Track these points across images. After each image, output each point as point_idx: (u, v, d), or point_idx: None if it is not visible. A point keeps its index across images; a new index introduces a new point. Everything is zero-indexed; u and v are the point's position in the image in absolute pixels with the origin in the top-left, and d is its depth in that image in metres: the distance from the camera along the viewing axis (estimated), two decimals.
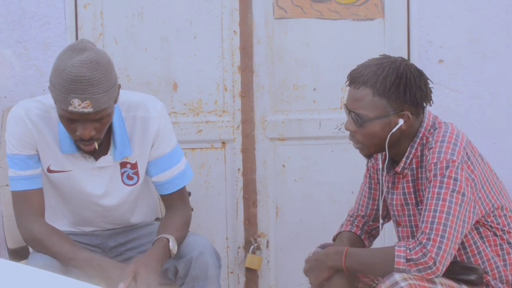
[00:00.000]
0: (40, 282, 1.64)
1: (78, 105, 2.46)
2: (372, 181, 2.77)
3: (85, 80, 2.45)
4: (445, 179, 2.41)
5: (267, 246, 3.70)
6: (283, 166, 3.69)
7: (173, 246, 2.69)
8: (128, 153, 2.74)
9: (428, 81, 2.54)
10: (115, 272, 2.58)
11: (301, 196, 3.71)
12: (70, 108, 2.47)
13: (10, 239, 3.15)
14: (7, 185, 3.16)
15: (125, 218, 2.91)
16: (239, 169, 3.65)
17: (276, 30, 3.62)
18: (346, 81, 2.54)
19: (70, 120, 2.53)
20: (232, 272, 3.70)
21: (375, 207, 2.79)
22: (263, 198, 3.68)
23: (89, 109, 2.48)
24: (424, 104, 2.52)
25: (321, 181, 3.70)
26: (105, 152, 2.72)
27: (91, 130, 2.54)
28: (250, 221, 3.68)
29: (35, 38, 3.43)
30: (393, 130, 2.48)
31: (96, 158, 2.72)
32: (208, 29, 3.57)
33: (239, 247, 3.69)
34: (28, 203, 2.71)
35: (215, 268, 2.74)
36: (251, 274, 3.71)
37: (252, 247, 3.65)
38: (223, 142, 3.64)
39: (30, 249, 2.92)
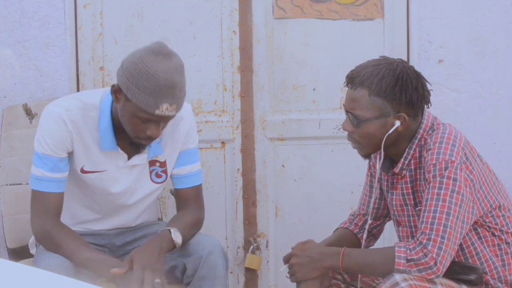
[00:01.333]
0: (40, 283, 1.64)
1: (166, 109, 2.53)
2: (373, 180, 2.77)
3: (177, 87, 2.53)
4: (444, 180, 2.41)
5: (266, 246, 3.70)
6: (283, 166, 3.69)
7: (175, 236, 2.69)
8: (159, 151, 2.79)
9: (427, 83, 2.54)
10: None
11: (300, 196, 3.71)
12: (157, 112, 2.53)
13: (10, 238, 3.15)
14: (7, 185, 3.16)
15: (133, 218, 2.92)
16: (238, 169, 3.65)
17: (276, 30, 3.62)
18: (344, 82, 2.54)
19: (145, 120, 2.57)
20: (231, 272, 3.69)
21: (376, 206, 2.79)
22: (263, 198, 3.68)
23: (173, 112, 2.57)
24: (421, 106, 2.52)
25: (321, 181, 3.70)
26: (137, 151, 2.76)
27: (160, 130, 2.61)
28: (250, 221, 3.68)
29: (35, 38, 3.43)
30: (390, 132, 2.48)
31: (129, 157, 2.76)
32: (208, 29, 3.57)
33: (238, 247, 3.69)
34: (47, 204, 2.70)
35: (223, 268, 2.75)
36: (251, 274, 3.71)
37: (251, 247, 3.66)
38: (223, 142, 3.64)
39: (32, 249, 2.93)
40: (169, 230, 2.70)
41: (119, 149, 2.73)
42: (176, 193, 2.91)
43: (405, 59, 3.62)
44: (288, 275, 2.58)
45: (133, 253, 2.61)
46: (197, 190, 2.90)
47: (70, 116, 2.67)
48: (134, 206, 2.87)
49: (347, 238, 2.79)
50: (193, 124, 2.86)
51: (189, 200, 2.88)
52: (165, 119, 2.59)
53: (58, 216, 2.73)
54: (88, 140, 2.71)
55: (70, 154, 2.72)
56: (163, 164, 2.83)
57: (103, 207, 2.85)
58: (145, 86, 2.50)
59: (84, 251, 2.64)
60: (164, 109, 2.53)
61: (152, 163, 2.82)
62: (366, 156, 2.60)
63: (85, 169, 2.75)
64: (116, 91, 2.60)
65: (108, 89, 2.70)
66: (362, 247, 2.75)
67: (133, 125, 2.60)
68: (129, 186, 2.81)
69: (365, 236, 2.76)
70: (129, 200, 2.84)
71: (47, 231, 2.69)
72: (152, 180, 2.84)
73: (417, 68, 3.56)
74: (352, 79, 2.51)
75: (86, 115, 2.69)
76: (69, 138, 2.68)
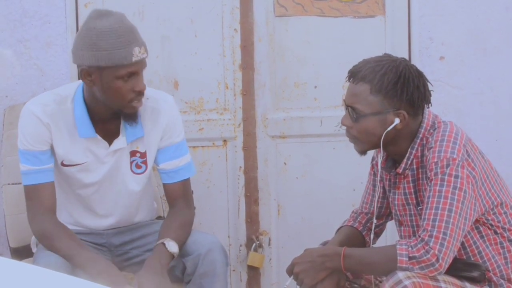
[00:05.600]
0: (42, 281, 1.65)
1: (139, 53, 2.61)
2: (376, 179, 2.77)
3: (134, 29, 2.62)
4: (446, 177, 2.41)
5: (269, 244, 3.70)
6: (285, 164, 3.69)
7: (170, 247, 2.71)
8: (140, 133, 2.79)
9: (428, 83, 2.54)
10: (111, 280, 2.59)
11: (302, 194, 3.71)
12: (134, 58, 2.60)
13: (12, 237, 3.15)
14: (9, 184, 3.17)
15: (126, 214, 2.92)
16: (240, 167, 3.65)
17: (277, 28, 3.62)
18: (346, 76, 2.54)
19: (128, 76, 2.62)
20: (234, 270, 3.70)
21: (379, 205, 2.78)
22: (265, 196, 3.68)
23: (145, 54, 2.65)
24: (422, 105, 2.51)
25: (323, 178, 3.70)
26: (117, 135, 2.77)
27: (142, 81, 2.68)
28: (252, 219, 3.68)
29: (36, 37, 3.43)
30: (388, 129, 2.48)
31: (109, 143, 2.78)
32: (209, 27, 3.57)
33: (241, 245, 3.69)
34: (39, 198, 2.74)
35: (223, 265, 2.76)
36: (253, 272, 3.71)
37: (254, 245, 3.66)
38: (225, 140, 3.64)
39: (34, 249, 2.93)
40: (163, 243, 2.72)
41: (98, 136, 2.75)
42: (164, 188, 2.92)
43: (406, 56, 3.62)
44: (298, 286, 2.58)
45: (138, 278, 2.62)
46: (185, 185, 2.90)
47: (46, 111, 2.72)
48: (121, 198, 2.87)
49: (355, 237, 2.78)
50: (174, 117, 2.86)
51: (177, 198, 2.88)
52: (141, 64, 2.65)
53: (53, 210, 2.76)
54: (66, 133, 2.74)
55: (52, 148, 2.76)
56: (143, 155, 2.84)
57: (92, 200, 2.86)
58: (110, 43, 2.56)
59: (74, 250, 2.67)
60: (137, 53, 2.60)
61: (133, 153, 2.83)
62: (362, 152, 2.59)
63: (65, 162, 2.79)
64: (86, 73, 2.63)
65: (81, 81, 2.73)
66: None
67: (120, 91, 2.64)
68: (109, 172, 2.81)
69: (371, 236, 2.75)
70: (112, 188, 2.84)
71: (44, 231, 2.73)
72: (132, 171, 2.85)
73: (418, 65, 3.57)
74: (354, 74, 2.51)
75: (62, 108, 2.74)
76: (46, 131, 2.72)
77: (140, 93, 2.67)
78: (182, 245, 2.77)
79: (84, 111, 2.72)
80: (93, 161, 2.79)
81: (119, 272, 2.67)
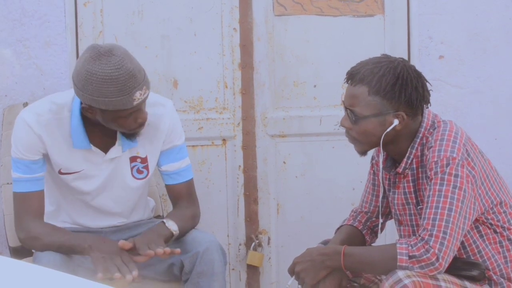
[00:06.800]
0: (42, 281, 1.64)
1: (140, 96, 2.58)
2: (376, 178, 2.77)
3: (135, 72, 2.56)
4: (446, 176, 2.41)
5: (268, 243, 3.71)
6: (284, 163, 3.69)
7: (169, 224, 2.75)
8: (134, 143, 2.79)
9: (427, 83, 2.54)
10: (105, 246, 2.65)
11: (302, 193, 3.71)
12: (135, 102, 2.57)
13: (11, 237, 3.15)
14: (7, 183, 3.16)
15: (128, 215, 2.93)
16: (239, 166, 3.65)
17: (276, 27, 3.62)
18: (345, 78, 2.54)
19: (129, 115, 2.61)
20: (233, 269, 3.70)
21: (378, 204, 2.79)
22: (264, 195, 3.68)
23: (147, 93, 2.62)
24: (421, 105, 2.51)
25: (322, 177, 3.70)
26: (113, 144, 2.77)
27: (144, 112, 2.66)
28: (251, 218, 3.68)
29: (36, 36, 3.43)
30: (388, 130, 2.48)
31: (105, 152, 2.77)
32: (208, 26, 3.57)
33: (240, 244, 3.69)
34: (27, 205, 2.75)
35: (221, 264, 2.77)
36: (253, 271, 3.71)
37: (253, 244, 3.66)
38: (224, 139, 3.64)
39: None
40: (163, 221, 2.76)
41: (92, 146, 2.75)
42: (168, 189, 2.93)
43: (405, 55, 3.63)
44: (299, 286, 2.58)
45: (134, 239, 2.68)
46: (189, 185, 2.93)
47: (40, 121, 2.71)
48: (121, 202, 2.88)
49: (355, 236, 2.78)
50: (175, 121, 2.87)
51: (182, 198, 2.91)
52: (144, 102, 2.63)
53: (40, 217, 2.78)
54: (61, 142, 2.74)
55: (47, 157, 2.76)
56: (144, 160, 2.85)
57: (91, 204, 2.87)
58: (110, 91, 2.53)
59: (66, 237, 2.70)
60: (138, 96, 2.57)
61: (133, 159, 2.84)
62: (362, 152, 2.60)
63: (62, 171, 2.79)
64: (87, 110, 2.63)
65: None
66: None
67: (123, 125, 2.65)
68: (107, 180, 2.82)
69: (379, 233, 2.76)
70: (111, 194, 2.85)
71: (32, 232, 2.74)
72: (134, 176, 2.86)
73: (417, 64, 3.59)
74: (352, 76, 2.51)
75: (58, 117, 2.73)
76: (38, 141, 2.71)
77: (142, 123, 2.68)
78: (183, 231, 2.80)
79: (79, 122, 2.71)
80: (90, 169, 2.79)
81: (111, 240, 2.72)
